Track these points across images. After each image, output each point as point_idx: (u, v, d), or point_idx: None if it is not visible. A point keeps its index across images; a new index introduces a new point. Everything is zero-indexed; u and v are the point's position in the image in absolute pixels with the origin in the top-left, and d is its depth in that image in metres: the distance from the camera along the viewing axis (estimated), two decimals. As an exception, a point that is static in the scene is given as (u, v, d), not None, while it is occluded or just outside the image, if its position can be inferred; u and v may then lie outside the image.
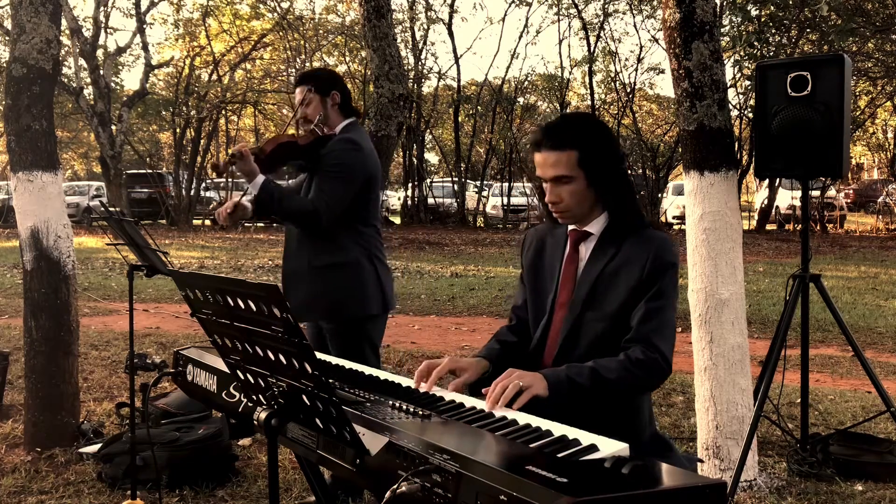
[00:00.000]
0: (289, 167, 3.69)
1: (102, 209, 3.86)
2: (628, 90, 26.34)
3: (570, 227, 2.31)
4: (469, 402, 1.98)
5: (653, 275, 2.14)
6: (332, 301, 3.35)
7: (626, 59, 49.40)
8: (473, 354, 2.36)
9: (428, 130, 28.58)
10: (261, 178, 3.23)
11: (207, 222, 26.49)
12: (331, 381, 1.88)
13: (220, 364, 2.24)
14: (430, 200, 27.05)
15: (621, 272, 2.18)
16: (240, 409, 2.17)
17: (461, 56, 42.89)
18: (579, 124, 2.24)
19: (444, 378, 2.20)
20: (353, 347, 3.33)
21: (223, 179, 28.44)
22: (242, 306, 1.64)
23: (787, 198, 23.85)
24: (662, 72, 27.10)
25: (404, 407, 1.87)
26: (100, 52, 22.58)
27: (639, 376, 2.08)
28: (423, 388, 2.12)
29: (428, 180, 28.46)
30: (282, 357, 1.65)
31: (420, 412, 1.83)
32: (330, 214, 3.25)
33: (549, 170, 2.21)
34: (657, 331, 2.12)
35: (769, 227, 24.63)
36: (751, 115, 17.41)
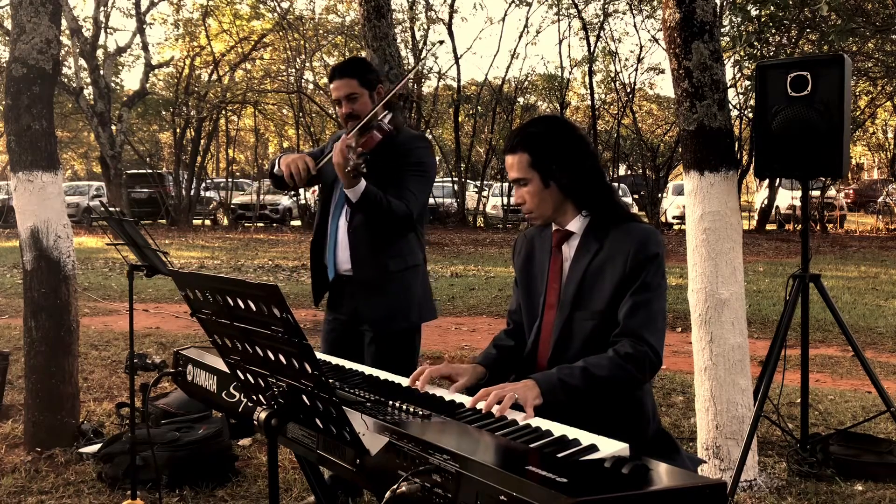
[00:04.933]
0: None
1: (102, 209, 3.86)
2: (628, 90, 26.33)
3: (554, 228, 2.33)
4: (469, 402, 1.98)
5: (636, 267, 2.15)
6: (413, 306, 3.24)
7: (626, 59, 49.43)
8: (470, 360, 2.36)
9: (428, 130, 28.58)
10: (363, 183, 2.99)
11: (207, 222, 26.52)
12: (331, 381, 1.89)
13: (220, 364, 2.24)
14: (430, 200, 27.02)
15: (606, 268, 2.19)
16: (240, 409, 2.17)
17: (461, 56, 42.86)
18: (536, 127, 2.28)
19: (441, 386, 2.20)
20: (406, 355, 3.22)
21: (223, 179, 28.46)
22: (242, 306, 1.64)
23: (787, 198, 23.85)
24: (662, 72, 27.14)
25: (404, 407, 1.87)
26: (100, 52, 22.59)
27: (629, 370, 2.09)
28: (416, 386, 2.15)
29: (428, 180, 28.41)
30: (282, 357, 1.65)
31: (420, 412, 1.83)
32: (418, 215, 3.17)
33: (509, 172, 2.29)
34: (645, 324, 2.13)
35: (769, 227, 24.63)
36: (751, 115, 17.40)
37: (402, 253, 3.22)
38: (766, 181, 22.96)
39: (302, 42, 25.56)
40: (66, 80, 20.80)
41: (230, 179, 27.71)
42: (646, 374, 2.13)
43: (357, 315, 3.26)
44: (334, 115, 24.12)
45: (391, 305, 3.21)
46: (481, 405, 1.91)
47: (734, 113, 19.76)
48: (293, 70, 26.72)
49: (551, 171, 2.22)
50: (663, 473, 1.47)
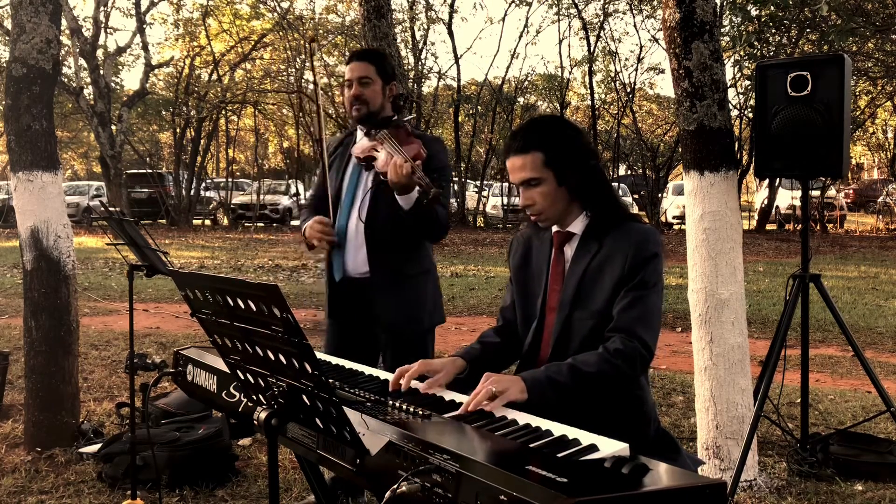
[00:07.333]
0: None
1: (102, 209, 3.86)
2: (628, 90, 26.33)
3: (554, 230, 2.31)
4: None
5: (635, 267, 2.15)
6: (426, 310, 3.22)
7: (626, 59, 49.45)
8: (449, 355, 2.35)
9: (428, 130, 28.57)
10: (416, 191, 2.95)
11: (207, 222, 26.52)
12: (331, 381, 1.89)
13: (220, 364, 2.24)
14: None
15: (605, 268, 2.19)
16: (240, 409, 2.17)
17: (461, 56, 42.90)
18: (543, 126, 2.26)
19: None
20: (420, 357, 3.20)
21: (223, 179, 28.46)
22: (242, 306, 1.64)
23: (787, 198, 23.86)
24: (662, 72, 27.12)
25: (404, 407, 1.87)
26: (100, 52, 22.59)
27: (618, 366, 2.07)
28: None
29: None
30: (282, 357, 1.65)
31: (420, 412, 1.83)
32: None
33: (517, 174, 2.23)
34: (638, 319, 2.12)
35: (769, 227, 24.63)
36: (751, 115, 17.41)
37: (417, 257, 3.19)
38: (766, 181, 22.96)
39: (302, 42, 25.55)
40: (66, 80, 20.80)
41: (230, 179, 27.70)
42: (636, 369, 2.11)
43: (371, 318, 3.20)
44: (334, 115, 24.12)
45: (405, 309, 3.17)
46: (467, 399, 1.92)
47: (734, 113, 19.77)
48: (293, 70, 26.71)
49: (565, 170, 2.21)
50: (663, 473, 1.47)
